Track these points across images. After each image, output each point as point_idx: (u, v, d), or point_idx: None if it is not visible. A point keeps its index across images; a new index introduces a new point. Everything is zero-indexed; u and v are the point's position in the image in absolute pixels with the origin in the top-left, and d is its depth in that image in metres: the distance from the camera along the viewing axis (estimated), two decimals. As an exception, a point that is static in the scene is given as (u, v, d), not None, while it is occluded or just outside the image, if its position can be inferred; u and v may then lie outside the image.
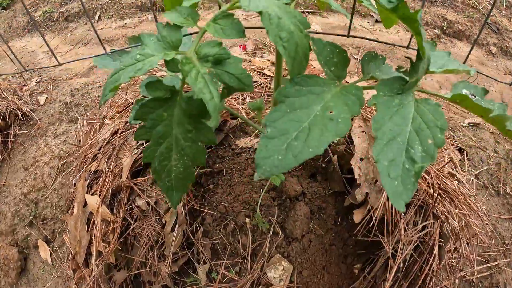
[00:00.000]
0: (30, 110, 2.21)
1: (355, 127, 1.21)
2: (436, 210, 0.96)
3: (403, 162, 0.47)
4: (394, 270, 0.89)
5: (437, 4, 4.09)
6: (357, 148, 1.14)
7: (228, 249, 1.08)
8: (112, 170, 1.14)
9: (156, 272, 1.05)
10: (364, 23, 3.39)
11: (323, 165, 1.20)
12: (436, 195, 0.95)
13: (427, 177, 1.04)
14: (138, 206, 1.08)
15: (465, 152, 1.74)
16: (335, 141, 1.21)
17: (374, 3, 0.59)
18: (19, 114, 2.14)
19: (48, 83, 2.61)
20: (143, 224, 1.06)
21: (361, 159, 1.13)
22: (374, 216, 0.97)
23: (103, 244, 1.04)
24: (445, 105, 2.59)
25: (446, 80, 2.81)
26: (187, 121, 0.58)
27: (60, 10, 3.67)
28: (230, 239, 1.09)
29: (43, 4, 3.91)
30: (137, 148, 1.15)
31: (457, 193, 1.04)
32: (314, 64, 2.25)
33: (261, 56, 2.58)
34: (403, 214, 0.96)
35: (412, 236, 0.93)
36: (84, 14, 3.50)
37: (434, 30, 3.87)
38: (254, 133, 1.45)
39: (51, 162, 1.78)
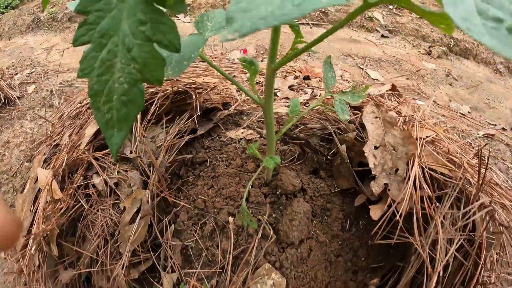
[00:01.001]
0: (16, 97, 2.04)
1: (367, 113, 0.97)
2: (479, 199, 0.71)
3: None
4: (434, 281, 0.62)
5: (443, 24, 3.96)
6: (370, 135, 0.90)
7: (204, 255, 0.82)
8: (73, 141, 0.90)
9: (110, 276, 0.78)
10: (370, 37, 3.24)
11: (328, 157, 0.95)
12: (479, 183, 0.70)
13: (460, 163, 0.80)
14: (94, 186, 0.83)
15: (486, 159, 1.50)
16: (344, 124, 0.97)
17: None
18: (2, 98, 1.96)
19: (40, 75, 2.48)
20: (98, 210, 0.81)
21: (376, 147, 0.88)
22: (398, 212, 0.71)
23: (42, 226, 0.78)
24: (456, 117, 2.38)
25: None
26: (141, 8, 0.35)
27: (65, 11, 3.56)
28: (208, 243, 0.83)
29: (50, 6, 3.82)
30: None
31: (497, 183, 0.78)
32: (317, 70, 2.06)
33: (262, 61, 2.39)
34: (437, 206, 0.71)
35: (454, 233, 0.67)
36: (88, 15, 3.37)
37: (441, 47, 3.72)
38: (247, 123, 1.22)
39: (22, 145, 1.56)
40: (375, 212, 0.75)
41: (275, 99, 1.44)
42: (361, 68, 2.42)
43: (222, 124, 1.24)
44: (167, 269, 0.82)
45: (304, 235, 0.78)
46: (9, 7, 4.16)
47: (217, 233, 0.83)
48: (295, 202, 0.78)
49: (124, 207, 0.80)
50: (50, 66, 2.66)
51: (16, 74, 2.48)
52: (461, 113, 2.59)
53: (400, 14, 3.80)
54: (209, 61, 0.62)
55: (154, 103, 0.90)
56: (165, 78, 0.53)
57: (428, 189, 0.75)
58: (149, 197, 0.83)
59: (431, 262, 0.67)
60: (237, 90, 1.20)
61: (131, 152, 0.86)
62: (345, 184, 0.90)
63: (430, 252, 0.67)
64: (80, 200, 0.87)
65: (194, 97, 0.99)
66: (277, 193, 0.85)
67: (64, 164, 0.86)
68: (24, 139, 1.57)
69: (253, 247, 0.78)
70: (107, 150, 0.88)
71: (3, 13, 4.03)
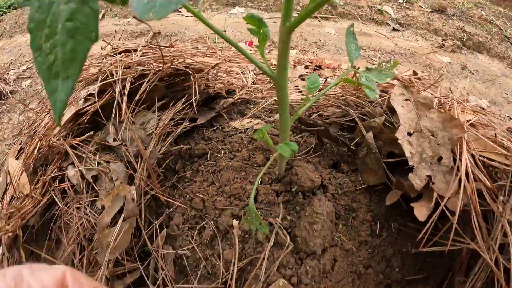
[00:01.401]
0: (9, 91, 1.93)
1: (396, 95, 0.81)
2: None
3: None
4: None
5: (454, 18, 3.79)
6: (402, 120, 0.74)
7: (202, 266, 0.66)
8: (47, 127, 0.75)
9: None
10: (380, 30, 3.07)
11: (351, 147, 0.79)
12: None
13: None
14: (63, 181, 0.68)
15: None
16: (370, 109, 0.80)
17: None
18: None
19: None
20: (73, 210, 0.65)
21: (409, 134, 0.72)
22: (448, 210, 0.55)
23: (7, 227, 0.63)
24: (477, 110, 2.21)
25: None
26: None
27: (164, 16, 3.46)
28: (207, 251, 0.67)
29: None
30: (84, 99, 0.76)
31: None
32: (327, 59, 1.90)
33: (269, 52, 2.25)
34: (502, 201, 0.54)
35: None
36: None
37: (454, 41, 3.54)
38: (253, 112, 1.06)
39: (9, 138, 1.43)
40: (420, 211, 0.58)
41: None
42: (374, 61, 2.26)
43: (226, 114, 1.08)
44: (158, 282, 0.66)
45: (328, 242, 0.61)
46: (11, 7, 4.09)
47: (218, 239, 0.68)
48: (316, 201, 0.62)
49: (103, 206, 0.65)
50: None
51: (12, 70, 2.37)
52: (481, 107, 2.41)
53: (411, 8, 3.63)
54: (199, 15, 0.47)
55: (145, 82, 0.75)
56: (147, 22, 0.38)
57: (486, 180, 0.59)
58: (135, 195, 0.67)
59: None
60: (243, 73, 1.04)
61: (114, 140, 0.71)
62: (373, 179, 0.74)
63: (504, 262, 0.51)
64: (54, 196, 0.72)
65: (192, 79, 0.83)
66: (292, 190, 0.69)
67: (35, 153, 0.72)
68: (11, 132, 1.45)
69: (263, 258, 0.61)
70: (86, 136, 0.73)
71: (5, 12, 3.95)
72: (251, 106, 1.14)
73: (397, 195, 0.69)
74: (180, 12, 2.96)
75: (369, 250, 0.68)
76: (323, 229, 0.59)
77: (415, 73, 1.21)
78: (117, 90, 0.68)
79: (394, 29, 3.12)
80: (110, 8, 3.24)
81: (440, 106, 0.83)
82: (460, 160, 0.62)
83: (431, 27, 3.48)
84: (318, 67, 1.62)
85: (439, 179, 0.61)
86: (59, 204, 0.71)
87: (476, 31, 3.62)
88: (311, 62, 1.75)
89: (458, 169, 0.61)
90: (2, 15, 3.87)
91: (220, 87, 1.12)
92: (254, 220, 0.57)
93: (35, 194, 0.67)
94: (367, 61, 2.00)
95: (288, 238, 0.60)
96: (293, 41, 2.53)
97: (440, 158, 0.65)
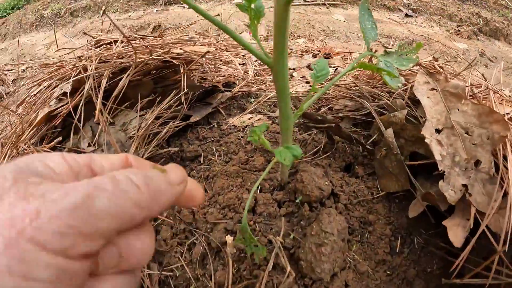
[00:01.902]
0: (5, 93, 1.86)
1: (420, 84, 0.68)
2: None
3: None
4: None
5: (469, 2, 3.56)
6: (429, 114, 0.61)
7: (193, 287, 0.55)
8: (17, 132, 0.66)
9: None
10: (392, 17, 2.88)
11: (367, 147, 0.67)
12: None
13: None
14: None
15: None
16: (389, 101, 0.68)
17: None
18: None
19: (36, 70, 2.31)
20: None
21: (438, 131, 0.59)
22: (489, 231, 0.43)
23: None
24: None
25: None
26: None
27: (68, 7, 3.38)
28: (198, 271, 0.57)
29: (54, 3, 3.66)
30: (56, 99, 0.65)
31: None
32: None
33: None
34: None
35: None
36: (89, 9, 3.18)
37: (471, 27, 3.32)
38: (254, 106, 0.94)
39: None
40: (456, 234, 0.46)
41: (290, 79, 1.16)
42: (387, 48, 2.11)
43: (224, 109, 0.97)
44: (141, 310, 0.56)
45: (338, 266, 0.50)
46: (15, 8, 4.05)
47: (210, 258, 0.57)
48: (325, 216, 0.51)
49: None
50: (48, 60, 2.50)
51: (11, 70, 2.31)
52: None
53: (424, -8, 3.41)
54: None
55: (124, 77, 0.64)
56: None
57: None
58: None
59: None
60: (240, 64, 0.93)
61: (89, 145, 0.60)
62: (393, 186, 0.61)
63: None
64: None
65: (182, 71, 0.72)
66: (297, 200, 0.58)
67: (4, 161, 0.62)
68: (3, 137, 1.37)
69: (261, 283, 0.51)
70: (55, 142, 0.62)
71: (9, 13, 3.91)
72: (252, 100, 1.02)
73: (421, 205, 0.57)
74: (182, 4, 2.85)
75: (388, 272, 0.56)
76: (333, 252, 0.48)
77: (435, 60, 1.07)
78: (86, 87, 0.58)
79: (406, 15, 2.93)
80: (111, 3, 3.15)
81: (472, 97, 0.69)
82: (505, 166, 0.49)
83: (445, 12, 3.27)
84: (328, 56, 1.48)
85: (477, 190, 0.49)
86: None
87: (492, 17, 3.40)
88: (319, 51, 1.62)
89: (502, 178, 0.49)
90: (6, 16, 3.82)
91: (219, 79, 1.01)
92: (249, 241, 0.46)
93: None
94: (383, 46, 1.85)
95: (288, 267, 0.48)
96: (300, 29, 2.39)
97: (477, 162, 0.53)
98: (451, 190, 0.49)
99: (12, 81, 2.09)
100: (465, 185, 0.50)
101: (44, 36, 3.13)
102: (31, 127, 0.63)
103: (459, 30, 3.18)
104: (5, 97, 1.75)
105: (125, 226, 0.23)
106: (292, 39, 2.23)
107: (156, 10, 2.92)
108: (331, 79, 0.99)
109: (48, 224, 0.19)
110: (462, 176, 0.51)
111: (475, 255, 0.49)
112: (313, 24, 2.50)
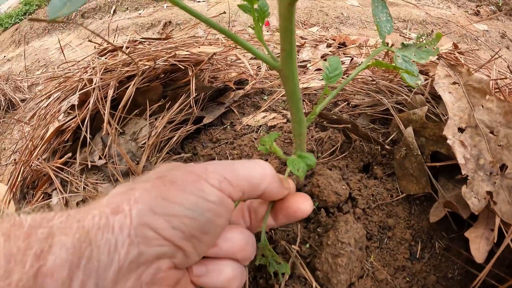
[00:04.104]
0: (20, 100, 1.90)
1: (440, 77, 0.64)
2: None
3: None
4: None
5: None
6: (451, 111, 0.58)
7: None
8: (29, 147, 0.67)
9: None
10: (407, -1, 2.76)
11: (386, 146, 0.64)
12: None
13: None
14: (49, 207, 0.59)
15: None
16: (409, 97, 0.64)
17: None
18: (3, 103, 1.83)
19: (60, 71, 2.37)
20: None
21: (461, 130, 0.56)
22: None
23: None
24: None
25: None
26: None
27: (78, 8, 3.42)
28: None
29: (65, 5, 3.71)
30: (65, 113, 0.66)
31: None
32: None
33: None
34: None
35: None
36: (100, 9, 3.20)
37: (490, 7, 3.14)
38: (268, 104, 0.92)
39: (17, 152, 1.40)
40: (478, 247, 0.43)
41: (305, 72, 1.12)
42: (404, 33, 2.01)
43: (237, 108, 0.95)
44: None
45: (356, 275, 0.48)
46: (27, 14, 4.13)
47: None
48: (342, 225, 0.49)
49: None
50: (56, 72, 2.57)
51: (26, 76, 2.36)
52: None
53: (441, -29, 3.24)
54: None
55: (131, 85, 0.63)
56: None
57: None
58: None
59: None
60: (252, 58, 0.90)
61: (100, 158, 0.60)
62: (413, 188, 0.58)
63: None
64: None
65: (190, 73, 0.71)
66: (314, 205, 0.56)
67: (20, 179, 0.63)
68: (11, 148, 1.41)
69: (278, 294, 0.49)
70: (65, 158, 0.63)
71: (21, 19, 3.99)
72: (266, 96, 1.00)
73: (443, 210, 0.54)
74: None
75: (407, 278, 0.54)
76: (350, 262, 0.46)
77: (455, 46, 1.01)
78: (91, 100, 0.57)
79: (423, -3, 2.79)
80: (121, 2, 3.16)
81: (497, 91, 0.65)
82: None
83: (464, -9, 3.11)
84: (343, 45, 1.43)
85: (502, 198, 0.45)
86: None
87: (513, -6, 3.20)
88: (334, 40, 1.56)
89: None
90: (18, 22, 3.91)
91: (231, 77, 0.99)
92: (271, 258, 0.45)
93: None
94: (400, 35, 1.77)
95: (306, 272, 0.47)
96: (313, 17, 2.32)
97: (503, 167, 0.49)
98: (475, 197, 0.46)
99: (28, 87, 2.14)
100: (489, 192, 0.47)
101: (56, 40, 3.18)
102: (42, 142, 0.64)
103: (478, 11, 3.01)
104: (20, 104, 1.80)
105: (252, 193, 0.35)
106: (305, 28, 2.17)
107: (166, 6, 2.91)
108: (345, 73, 0.96)
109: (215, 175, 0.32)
110: (486, 182, 0.48)
111: (497, 267, 0.45)
112: (326, 11, 2.42)
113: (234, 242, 0.35)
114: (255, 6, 0.39)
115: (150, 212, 0.27)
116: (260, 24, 0.41)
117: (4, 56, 3.09)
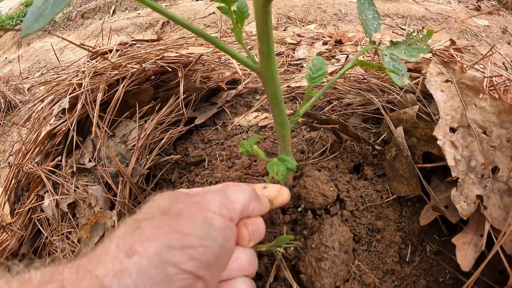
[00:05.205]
0: (20, 102, 1.91)
1: (432, 75, 0.63)
2: None
3: None
4: None
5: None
6: (442, 110, 0.56)
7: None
8: (22, 150, 0.67)
9: None
10: (407, -5, 2.73)
11: (377, 147, 0.63)
12: None
13: None
14: (42, 210, 0.59)
15: None
16: (399, 96, 0.63)
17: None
18: (3, 105, 1.83)
19: (52, 75, 2.36)
20: (50, 242, 0.57)
21: (453, 129, 0.55)
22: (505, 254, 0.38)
23: None
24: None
25: None
26: None
27: (78, 9, 3.43)
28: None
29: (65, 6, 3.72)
30: (56, 116, 0.65)
31: None
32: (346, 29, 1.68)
33: (285, 29, 2.06)
34: None
35: None
36: (99, 9, 3.20)
37: (491, 1, 3.10)
38: (259, 103, 0.92)
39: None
40: (465, 255, 0.42)
41: (300, 71, 1.11)
42: (403, 29, 1.99)
43: (230, 108, 0.95)
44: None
45: (341, 279, 0.47)
46: (28, 14, 4.15)
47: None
48: (327, 228, 0.48)
49: (81, 238, 0.55)
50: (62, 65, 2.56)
51: (26, 78, 2.37)
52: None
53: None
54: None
55: (120, 88, 0.62)
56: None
57: None
58: (116, 221, 0.57)
59: None
60: (238, 64, 0.90)
61: (90, 160, 0.60)
62: (404, 190, 0.57)
63: None
64: (38, 225, 0.64)
65: (180, 75, 0.70)
66: (299, 209, 0.55)
67: (14, 181, 0.63)
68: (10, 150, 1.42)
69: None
70: (56, 161, 0.63)
71: (22, 21, 4.02)
72: (258, 96, 0.99)
73: (433, 214, 0.53)
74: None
75: (396, 282, 0.53)
76: (334, 266, 0.45)
77: (452, 42, 0.99)
78: (79, 105, 0.57)
79: (424, -8, 2.75)
80: (120, 2, 3.16)
81: (492, 89, 0.63)
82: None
83: (465, -14, 3.06)
84: (339, 42, 1.42)
85: (493, 203, 0.44)
86: (44, 233, 0.63)
87: (517, -12, 3.15)
88: (330, 37, 1.55)
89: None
90: (19, 23, 3.94)
91: (223, 77, 0.98)
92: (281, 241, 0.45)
93: (13, 226, 0.59)
94: (393, 32, 1.75)
95: (290, 275, 0.46)
96: (311, 14, 2.30)
97: (495, 169, 0.48)
98: (464, 201, 0.44)
99: (28, 89, 2.15)
100: (480, 196, 0.45)
101: (58, 40, 3.20)
102: (35, 146, 0.64)
103: (479, 6, 2.97)
104: (20, 106, 1.80)
105: (244, 213, 0.37)
106: (303, 26, 2.15)
107: (165, 5, 2.91)
108: (341, 69, 0.94)
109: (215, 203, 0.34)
110: (477, 185, 0.46)
111: (485, 275, 0.44)
112: (324, 8, 2.40)
113: (242, 260, 0.37)
114: (233, 8, 0.39)
115: (168, 247, 0.27)
116: (239, 26, 0.41)
117: (6, 58, 3.11)
